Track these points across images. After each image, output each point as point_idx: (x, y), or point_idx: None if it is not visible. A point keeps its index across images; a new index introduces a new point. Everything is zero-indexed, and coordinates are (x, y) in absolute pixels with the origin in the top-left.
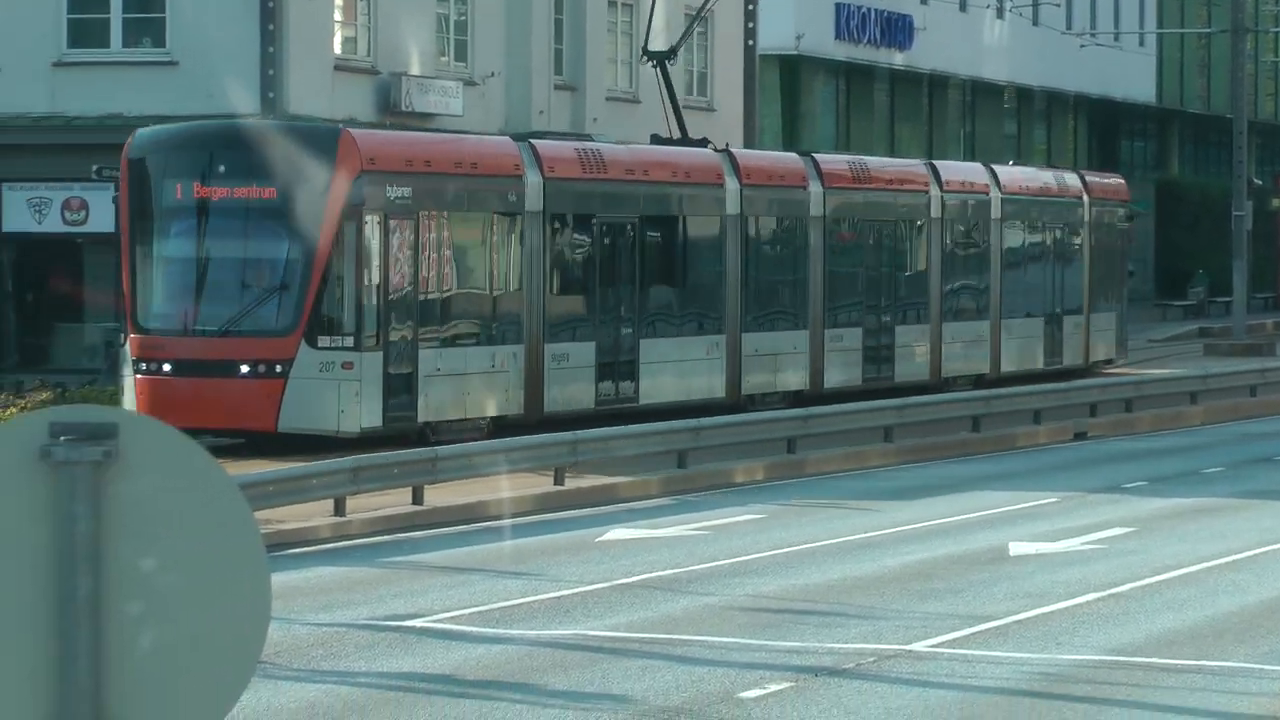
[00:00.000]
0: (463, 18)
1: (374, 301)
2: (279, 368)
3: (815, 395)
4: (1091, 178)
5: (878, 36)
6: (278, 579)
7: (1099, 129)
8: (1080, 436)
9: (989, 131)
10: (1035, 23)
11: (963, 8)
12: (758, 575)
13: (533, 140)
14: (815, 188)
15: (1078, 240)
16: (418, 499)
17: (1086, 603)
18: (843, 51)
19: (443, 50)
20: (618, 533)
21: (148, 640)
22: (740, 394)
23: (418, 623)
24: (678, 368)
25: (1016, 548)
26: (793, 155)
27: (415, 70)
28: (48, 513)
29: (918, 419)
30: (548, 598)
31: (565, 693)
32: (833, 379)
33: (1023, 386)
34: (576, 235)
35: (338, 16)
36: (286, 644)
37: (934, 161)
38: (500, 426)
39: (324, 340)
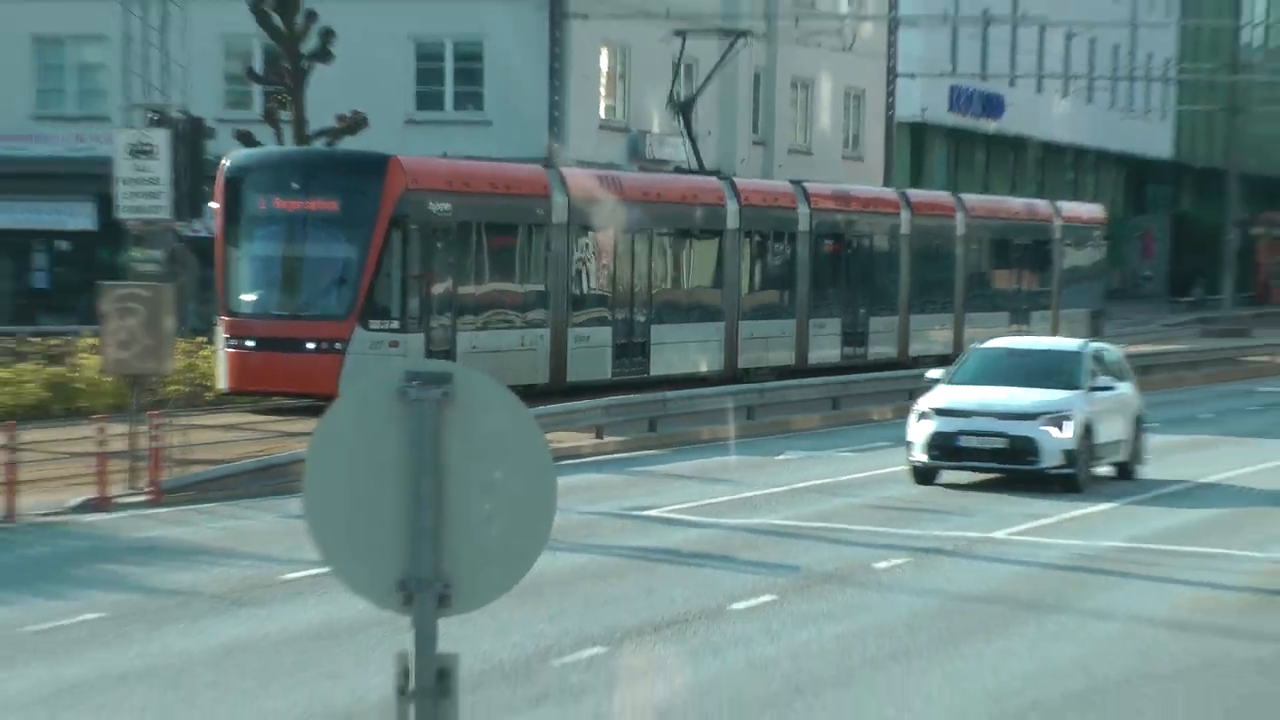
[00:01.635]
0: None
1: (417, 293)
2: (338, 345)
3: (799, 369)
4: (1066, 205)
5: (979, 109)
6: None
7: (1133, 178)
8: None
9: (1055, 179)
10: (1089, 100)
11: (1039, 89)
12: (892, 482)
13: (562, 169)
14: (803, 209)
15: (1047, 254)
16: (652, 428)
17: None
18: (953, 120)
19: (675, 115)
20: (791, 454)
21: (473, 523)
22: (737, 368)
23: (653, 512)
24: (684, 348)
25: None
26: (785, 183)
27: (655, 129)
28: (403, 435)
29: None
30: (742, 497)
31: (754, 562)
32: (815, 356)
33: None
34: (597, 244)
35: (602, 90)
36: (561, 526)
37: (906, 190)
38: (529, 394)
39: (375, 324)
